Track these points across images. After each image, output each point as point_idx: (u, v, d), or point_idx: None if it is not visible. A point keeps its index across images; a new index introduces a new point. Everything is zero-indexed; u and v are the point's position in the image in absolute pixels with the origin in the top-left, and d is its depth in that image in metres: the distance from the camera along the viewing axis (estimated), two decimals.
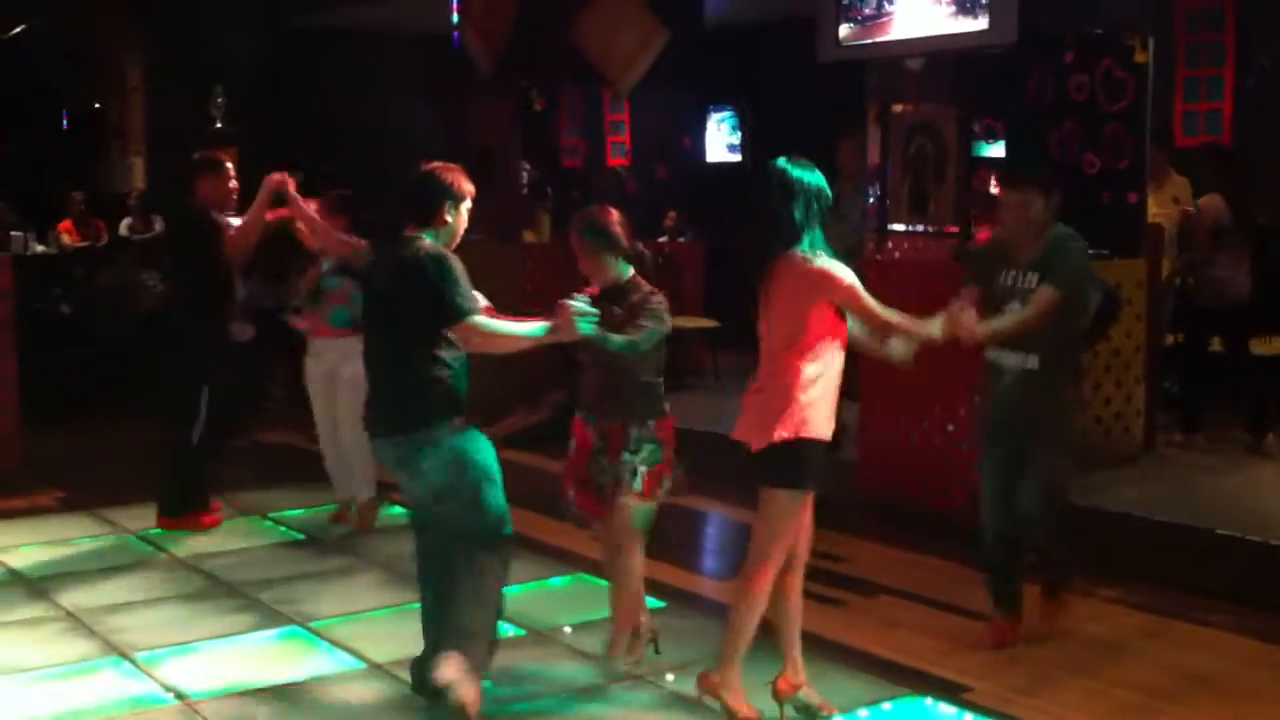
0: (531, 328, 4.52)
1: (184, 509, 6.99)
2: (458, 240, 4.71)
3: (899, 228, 7.51)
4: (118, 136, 15.08)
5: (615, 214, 4.95)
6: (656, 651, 5.06)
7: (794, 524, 4.47)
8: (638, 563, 4.97)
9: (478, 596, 4.54)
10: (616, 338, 4.65)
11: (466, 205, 4.68)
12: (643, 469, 4.85)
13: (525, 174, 11.73)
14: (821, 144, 8.86)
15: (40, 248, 12.07)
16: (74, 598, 5.93)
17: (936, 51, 7.23)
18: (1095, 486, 6.56)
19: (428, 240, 4.57)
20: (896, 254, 7.50)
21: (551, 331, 4.46)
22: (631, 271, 4.91)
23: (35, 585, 6.14)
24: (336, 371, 6.78)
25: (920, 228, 7.39)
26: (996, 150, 9.34)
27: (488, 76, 10.48)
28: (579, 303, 4.52)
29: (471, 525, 4.57)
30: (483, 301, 4.60)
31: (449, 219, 4.63)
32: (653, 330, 4.78)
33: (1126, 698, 4.76)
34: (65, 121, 16.14)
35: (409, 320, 4.53)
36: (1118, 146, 7.42)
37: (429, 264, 4.48)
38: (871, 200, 7.72)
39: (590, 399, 4.92)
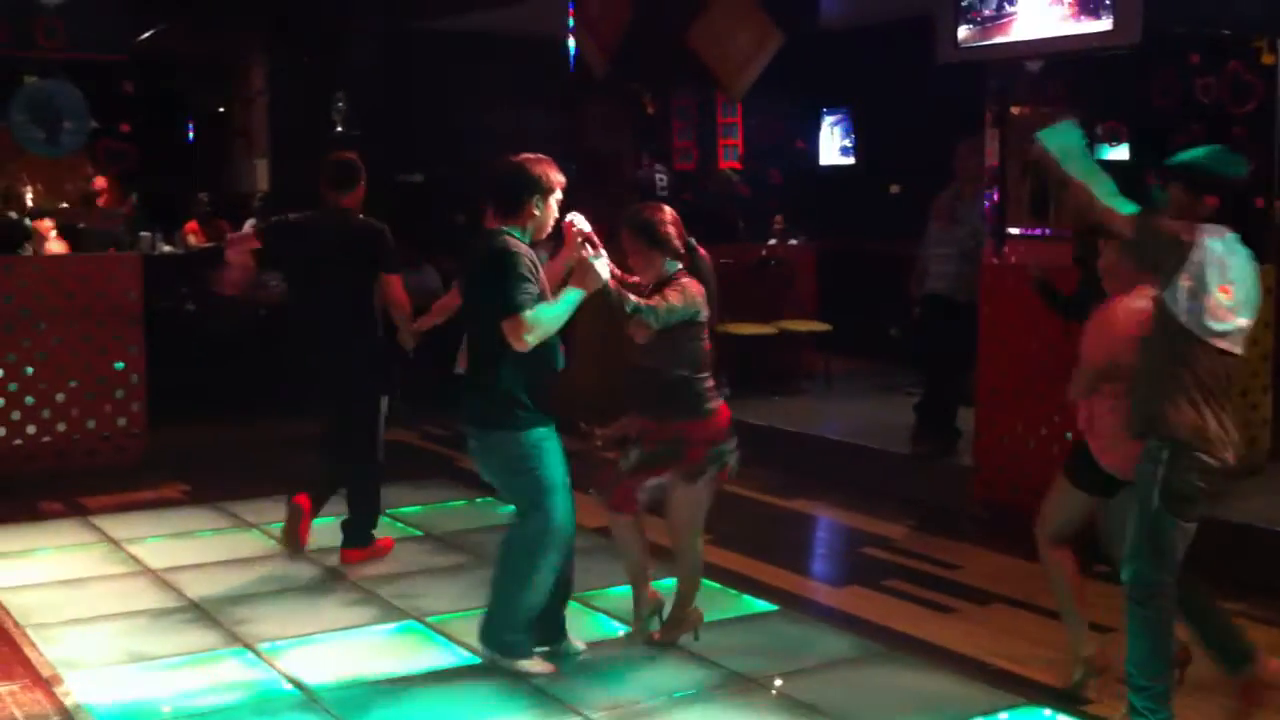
0: (564, 296, 4.58)
1: (371, 537, 6.54)
2: (545, 232, 4.74)
3: (1016, 231, 7.41)
4: (242, 139, 15.43)
5: (669, 213, 4.98)
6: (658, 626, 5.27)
7: None
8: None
9: (517, 581, 4.74)
10: (635, 300, 4.66)
11: (556, 197, 4.70)
12: (651, 463, 4.94)
13: (660, 177, 11.79)
14: (936, 147, 8.81)
15: (167, 248, 12.38)
16: (198, 589, 6.10)
17: (1057, 53, 7.13)
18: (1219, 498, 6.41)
19: (505, 236, 4.62)
20: (1013, 258, 7.41)
21: (578, 284, 4.55)
22: (679, 267, 4.94)
23: (162, 576, 6.32)
24: None
25: (1039, 231, 7.29)
26: (1119, 153, 9.15)
27: (601, 79, 10.55)
28: (579, 221, 4.63)
29: (526, 526, 4.77)
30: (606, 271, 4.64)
31: (536, 212, 4.66)
32: (676, 307, 4.76)
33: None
34: (191, 126, 16.56)
35: (484, 316, 4.62)
36: (1245, 151, 7.24)
37: (495, 259, 4.55)
38: (989, 204, 7.64)
39: (636, 395, 5.03)
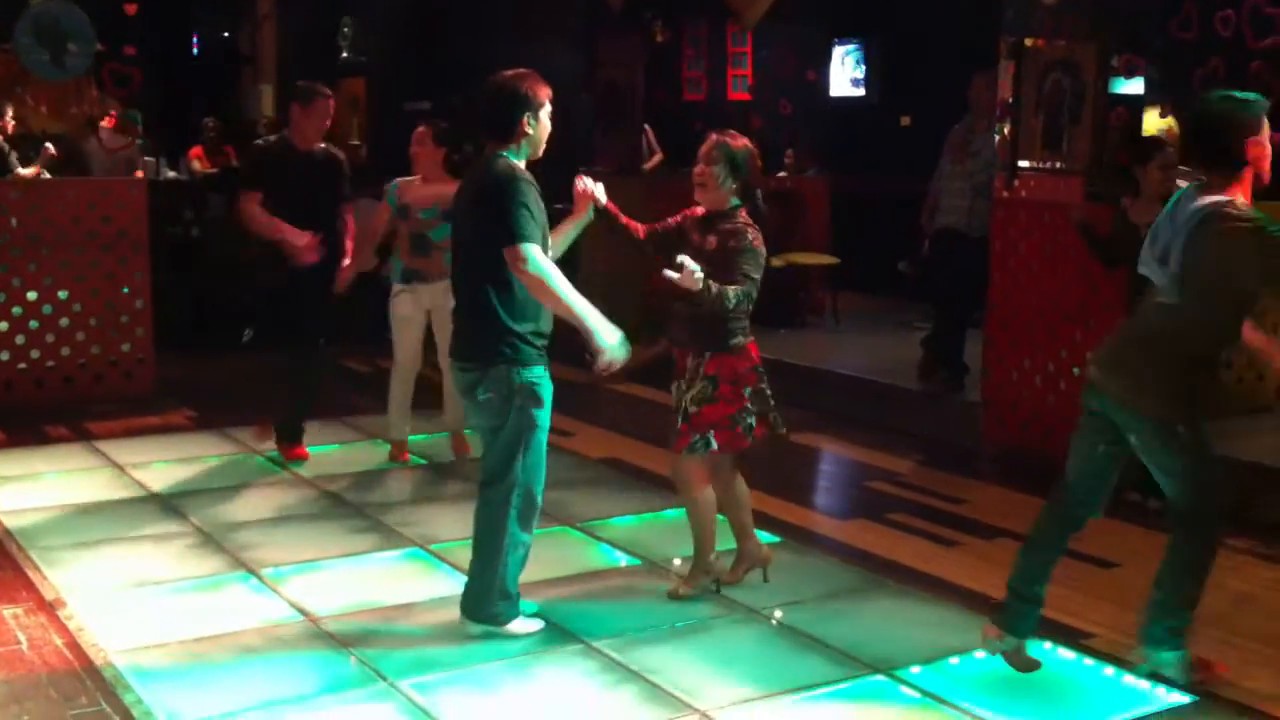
0: (581, 306, 4.35)
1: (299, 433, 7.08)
2: (541, 149, 4.56)
3: (1028, 165, 7.32)
4: (248, 65, 15.31)
5: (754, 148, 4.86)
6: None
7: None
8: (709, 498, 5.01)
9: (495, 544, 4.57)
10: (717, 289, 4.56)
11: (546, 111, 4.50)
12: (692, 408, 4.82)
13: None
14: (951, 80, 8.71)
15: (171, 174, 12.32)
16: (204, 514, 6.10)
17: None
18: (1229, 436, 6.38)
19: (506, 158, 4.45)
20: (1024, 192, 7.33)
21: (590, 333, 4.36)
22: (740, 205, 4.83)
23: (168, 501, 6.32)
24: (441, 304, 6.48)
25: (1050, 165, 7.21)
26: (1134, 87, 9.04)
27: (617, 9, 10.42)
28: (588, 183, 4.62)
29: (500, 472, 4.56)
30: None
31: (529, 130, 4.47)
32: (757, 281, 4.69)
33: (1254, 649, 4.64)
34: (196, 49, 16.42)
35: (481, 243, 4.41)
36: (1264, 85, 7.14)
37: (497, 184, 4.37)
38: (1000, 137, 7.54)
39: (669, 324, 4.91)
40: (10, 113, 10.09)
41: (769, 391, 4.90)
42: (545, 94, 4.51)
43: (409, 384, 7.02)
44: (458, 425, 6.99)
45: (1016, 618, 4.40)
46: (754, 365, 4.86)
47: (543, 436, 4.57)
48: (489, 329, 4.45)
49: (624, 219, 4.90)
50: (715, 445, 4.84)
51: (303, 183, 6.67)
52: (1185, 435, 4.14)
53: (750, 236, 4.74)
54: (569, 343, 4.68)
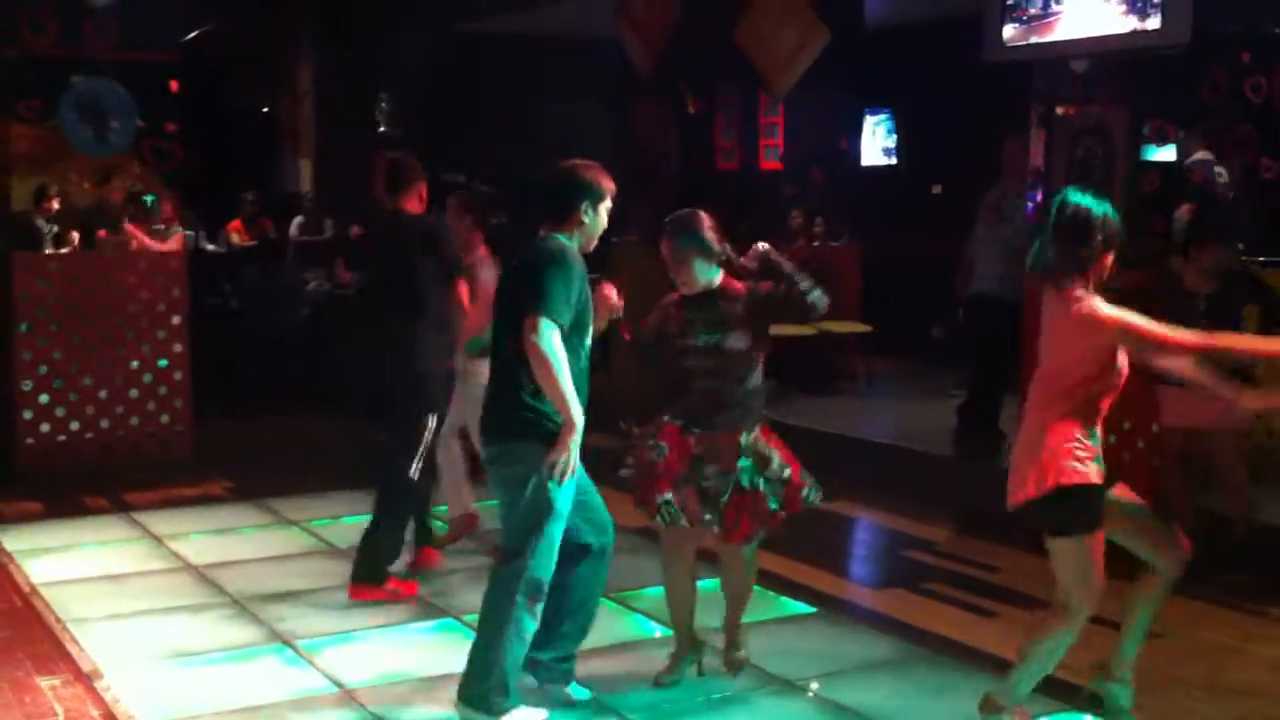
0: (571, 400, 4.24)
1: (385, 573, 5.97)
2: (594, 242, 4.52)
3: None
4: (288, 139, 15.53)
5: (708, 218, 4.71)
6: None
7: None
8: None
9: (498, 625, 4.40)
10: (814, 292, 4.55)
11: (606, 205, 4.48)
12: (778, 489, 4.62)
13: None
14: (981, 147, 8.75)
15: (210, 246, 12.48)
16: (239, 585, 6.13)
17: (1104, 52, 7.05)
18: (1265, 501, 6.32)
19: (558, 240, 4.40)
20: None
21: (567, 428, 4.25)
22: (720, 274, 4.73)
23: (203, 572, 6.35)
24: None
25: None
26: (1166, 154, 9.04)
27: (646, 78, 10.53)
28: (615, 296, 4.63)
29: (514, 550, 4.42)
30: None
31: (585, 219, 4.43)
32: (819, 290, 4.62)
33: None
34: (237, 125, 16.67)
35: (517, 316, 4.30)
36: None
37: (543, 257, 4.30)
38: (1034, 204, 7.56)
39: (697, 409, 4.66)
40: (55, 190, 10.24)
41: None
42: (609, 187, 4.49)
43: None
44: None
45: None
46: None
47: (559, 523, 4.42)
48: (515, 404, 4.37)
49: (627, 335, 4.88)
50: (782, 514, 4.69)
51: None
52: None
53: (805, 279, 4.64)
54: (603, 410, 4.67)
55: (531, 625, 4.44)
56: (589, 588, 4.70)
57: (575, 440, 4.29)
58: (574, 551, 4.60)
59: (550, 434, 4.33)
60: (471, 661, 4.47)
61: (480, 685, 4.40)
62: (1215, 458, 5.97)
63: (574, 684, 4.76)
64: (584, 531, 4.62)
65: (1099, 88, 7.20)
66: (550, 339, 4.22)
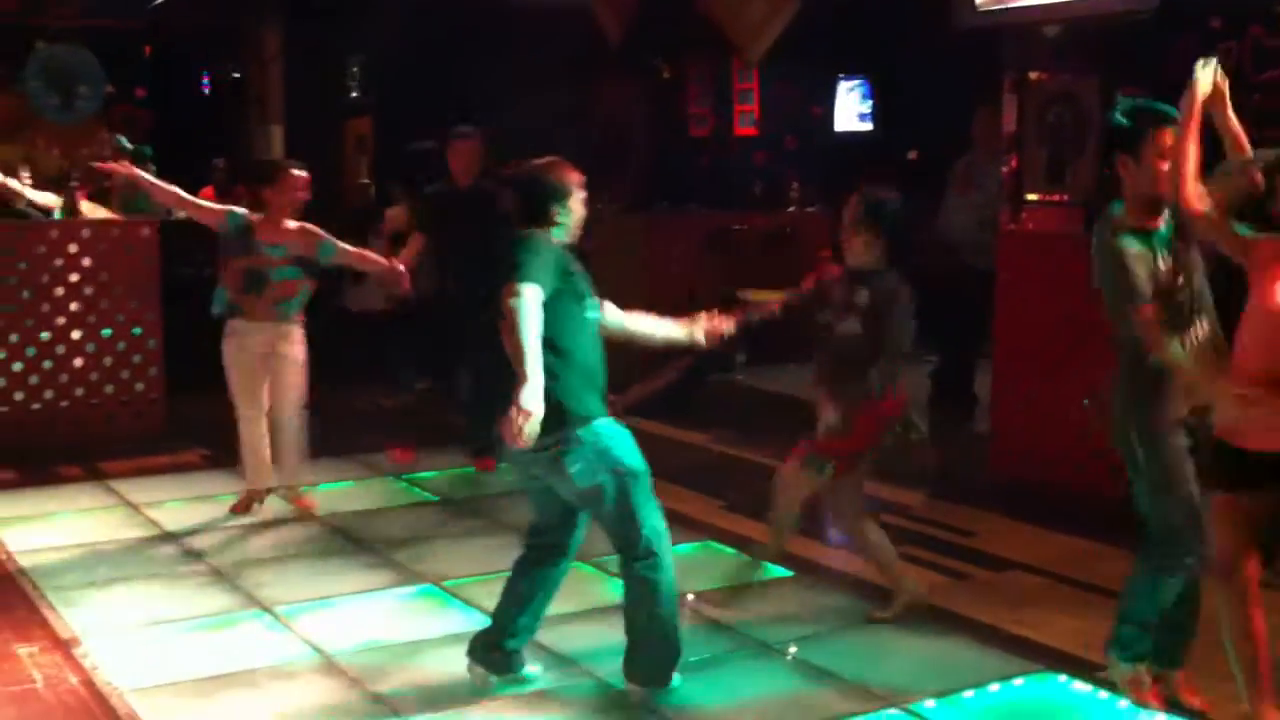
0: (532, 361, 4.04)
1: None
2: (578, 232, 4.57)
3: (1034, 198, 7.38)
4: (257, 105, 15.40)
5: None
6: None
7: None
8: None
9: (645, 609, 4.48)
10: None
11: (577, 197, 4.53)
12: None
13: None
14: (955, 113, 8.77)
15: (182, 214, 12.37)
16: (217, 552, 6.14)
17: (1076, 18, 7.08)
18: None
19: (538, 235, 4.40)
20: (1030, 224, 7.38)
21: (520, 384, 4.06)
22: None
23: (181, 540, 6.36)
24: (275, 351, 6.59)
25: (1056, 198, 7.27)
26: None
27: (616, 47, 10.50)
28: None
29: (630, 541, 4.42)
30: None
31: (560, 219, 4.48)
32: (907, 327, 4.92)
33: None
34: (206, 91, 16.54)
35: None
36: (1264, 119, 7.18)
37: (514, 248, 4.28)
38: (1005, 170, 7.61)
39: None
40: (28, 171, 10.11)
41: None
42: (574, 180, 4.54)
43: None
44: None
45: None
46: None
47: (643, 482, 4.41)
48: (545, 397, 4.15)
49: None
50: None
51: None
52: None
53: (902, 304, 5.00)
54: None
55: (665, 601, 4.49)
56: (550, 587, 4.69)
57: (532, 401, 4.04)
58: (546, 549, 4.62)
59: (585, 419, 4.29)
60: (646, 651, 4.55)
61: (665, 665, 4.55)
62: None
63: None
64: (564, 532, 4.61)
65: (1071, 54, 7.24)
66: (525, 298, 4.10)
